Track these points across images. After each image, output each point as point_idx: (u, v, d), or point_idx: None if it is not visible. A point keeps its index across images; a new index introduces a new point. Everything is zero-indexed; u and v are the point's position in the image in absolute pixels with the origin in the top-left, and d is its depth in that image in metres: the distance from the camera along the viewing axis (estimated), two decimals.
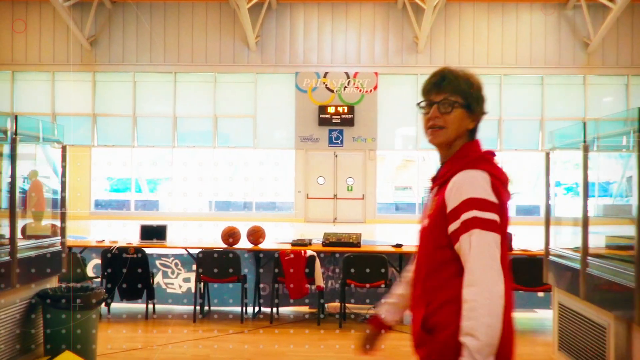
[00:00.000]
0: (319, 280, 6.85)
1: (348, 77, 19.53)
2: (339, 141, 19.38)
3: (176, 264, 7.58)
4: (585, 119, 19.37)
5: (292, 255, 6.82)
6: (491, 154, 1.97)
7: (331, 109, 19.25)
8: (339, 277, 7.14)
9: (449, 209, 1.88)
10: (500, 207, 1.85)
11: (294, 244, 7.25)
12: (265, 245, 7.33)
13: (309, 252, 6.89)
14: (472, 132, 2.02)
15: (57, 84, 20.37)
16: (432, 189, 2.06)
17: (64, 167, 5.30)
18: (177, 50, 20.02)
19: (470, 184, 1.86)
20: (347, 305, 7.09)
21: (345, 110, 19.24)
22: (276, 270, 6.92)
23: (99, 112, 20.34)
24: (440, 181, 1.98)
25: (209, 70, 19.98)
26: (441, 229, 1.90)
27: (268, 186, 20.06)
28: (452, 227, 1.86)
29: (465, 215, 1.82)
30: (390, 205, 20.79)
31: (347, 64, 19.76)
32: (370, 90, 19.47)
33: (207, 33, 19.98)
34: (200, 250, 7.05)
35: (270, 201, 20.25)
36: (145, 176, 21.10)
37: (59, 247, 5.32)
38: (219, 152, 20.12)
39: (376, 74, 19.59)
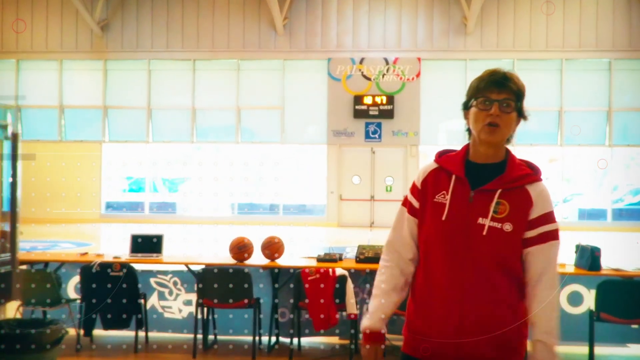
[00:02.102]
0: (351, 307, 5.76)
1: (387, 63, 18.98)
2: (376, 135, 18.84)
3: (175, 283, 6.56)
4: None
5: (317, 275, 5.73)
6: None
7: (368, 100, 18.72)
8: None
9: (532, 216, 2.17)
10: None
11: (320, 259, 6.16)
12: (283, 260, 6.25)
13: (339, 271, 5.79)
14: (511, 136, 2.23)
15: (65, 73, 19.93)
16: (485, 188, 2.21)
17: (14, 160, 4.29)
18: (196, 35, 19.51)
19: (550, 197, 2.20)
20: (386, 335, 5.95)
21: (384, 101, 18.68)
22: (297, 294, 5.83)
23: (111, 104, 19.87)
24: (509, 186, 2.18)
25: (232, 57, 19.49)
26: (521, 236, 2.16)
27: (297, 186, 19.57)
28: (531, 234, 2.16)
29: (549, 227, 2.17)
30: None
31: (386, 49, 19.11)
32: (412, 78, 18.86)
33: (229, 15, 19.43)
34: (202, 267, 6.01)
35: (300, 203, 19.81)
36: (161, 175, 20.57)
37: (8, 267, 4.29)
38: (243, 148, 19.65)
39: (419, 59, 18.91)
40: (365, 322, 2.35)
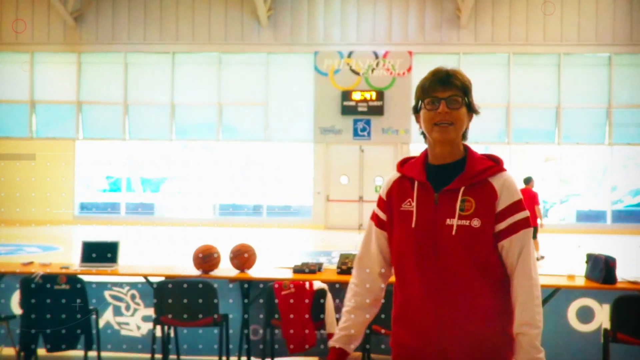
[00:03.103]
0: (331, 325, 5.11)
1: (377, 57, 18.52)
2: (365, 133, 18.40)
3: (133, 296, 5.89)
4: None
5: (291, 289, 5.07)
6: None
7: (356, 95, 18.31)
8: None
9: (499, 208, 2.18)
10: None
11: (296, 270, 5.51)
12: (255, 271, 5.60)
13: (317, 284, 5.14)
14: (466, 132, 2.28)
15: (37, 66, 19.30)
16: (448, 188, 2.22)
17: None
18: (175, 27, 18.95)
19: (515, 186, 2.22)
20: (372, 356, 5.37)
21: (374, 97, 18.27)
22: (269, 310, 5.17)
23: (85, 99, 19.26)
24: (468, 182, 2.20)
25: (213, 50, 18.98)
26: (491, 229, 2.17)
27: (282, 186, 19.15)
28: (501, 226, 2.17)
29: (518, 216, 2.18)
30: None
31: (376, 42, 18.65)
32: (403, 73, 18.37)
33: (210, 6, 18.90)
34: (161, 279, 5.35)
35: (285, 204, 19.34)
36: (138, 174, 20.07)
37: None
38: (225, 146, 19.20)
39: (410, 53, 18.42)
40: (333, 338, 2.39)
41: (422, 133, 2.32)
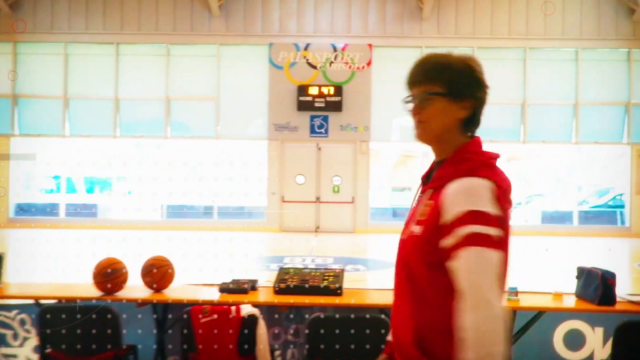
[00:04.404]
0: (263, 358, 4.08)
1: (335, 50, 17.99)
2: (323, 130, 17.90)
3: (22, 322, 4.78)
4: (630, 103, 17.82)
5: (214, 316, 4.03)
6: (493, 157, 2.01)
7: (313, 90, 17.75)
8: (304, 347, 4.33)
9: (442, 220, 1.91)
10: (504, 221, 1.89)
11: (223, 289, 4.47)
12: (173, 291, 4.53)
13: (246, 309, 4.10)
14: (468, 122, 2.04)
15: None
16: (423, 190, 2.11)
17: None
18: (120, 15, 18.03)
19: (470, 194, 1.89)
20: None
21: (332, 92, 17.75)
22: (187, 341, 4.12)
23: (21, 92, 18.11)
24: (435, 184, 2.02)
25: (160, 40, 18.10)
26: (433, 242, 1.92)
27: (234, 187, 18.62)
28: (446, 242, 1.88)
29: (463, 230, 1.84)
30: (386, 210, 19.82)
31: (334, 34, 18.07)
32: (363, 67, 17.88)
33: None
34: (52, 302, 4.27)
35: (238, 205, 18.82)
36: (80, 173, 19.25)
37: None
38: (173, 143, 18.42)
39: (370, 46, 17.88)
40: None
41: None
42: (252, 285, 4.57)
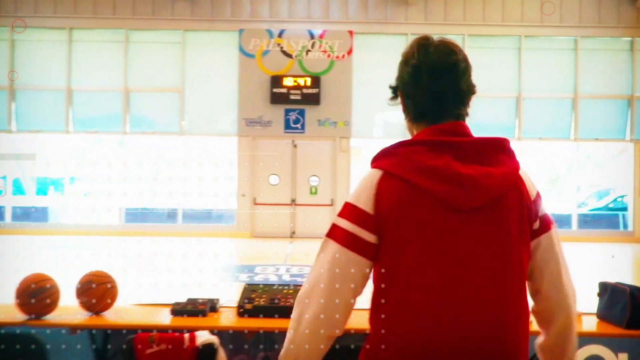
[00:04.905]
0: None
1: (312, 37, 18.12)
2: (298, 125, 18.04)
3: None
4: (634, 97, 17.98)
5: (162, 346, 3.57)
6: (407, 143, 2.03)
7: (288, 81, 17.87)
8: None
9: None
10: (369, 218, 1.94)
11: (176, 312, 4.01)
12: (116, 314, 4.06)
13: (203, 337, 3.65)
14: (407, 112, 2.18)
15: None
16: None
17: None
18: None
19: (355, 185, 2.05)
20: None
21: (308, 83, 17.89)
22: None
23: None
24: None
25: (119, 25, 18.04)
26: None
27: (201, 187, 18.46)
28: None
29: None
30: None
31: (311, 19, 18.20)
32: (343, 56, 18.00)
33: None
34: None
35: (204, 208, 19.03)
36: (27, 173, 18.96)
37: None
38: (132, 139, 18.43)
39: (351, 33, 17.97)
40: None
41: None
42: (212, 306, 4.11)
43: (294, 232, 17.74)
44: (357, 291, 2.01)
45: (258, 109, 17.85)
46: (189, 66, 18.09)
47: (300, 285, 4.26)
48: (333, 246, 1.96)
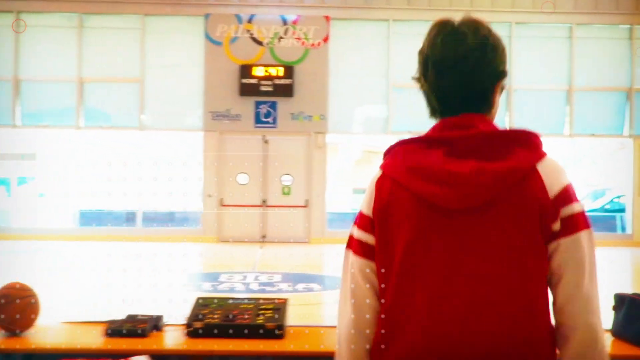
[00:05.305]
0: None
1: (285, 23, 18.18)
2: (270, 119, 18.07)
3: None
4: (632, 89, 18.11)
5: None
6: (407, 141, 2.07)
7: (259, 71, 17.88)
8: None
9: None
10: (369, 222, 2.06)
11: (112, 332, 3.62)
12: (38, 334, 3.70)
13: None
14: (429, 114, 2.18)
15: None
16: None
17: None
18: None
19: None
20: None
21: (281, 73, 17.94)
22: None
23: None
24: None
25: (71, 9, 17.97)
26: None
27: (162, 188, 18.25)
28: None
29: None
30: (347, 216, 20.07)
31: (284, 3, 18.38)
32: (319, 44, 18.11)
33: None
34: None
35: (166, 211, 19.31)
36: None
37: None
38: (87, 135, 18.33)
39: (327, 18, 18.08)
40: None
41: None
42: (155, 324, 3.72)
43: (264, 236, 17.78)
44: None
45: (226, 102, 17.85)
46: (149, 55, 18.08)
47: (269, 297, 3.94)
48: (349, 256, 2.12)
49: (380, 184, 2.04)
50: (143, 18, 17.89)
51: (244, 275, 11.92)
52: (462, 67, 2.02)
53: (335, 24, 17.99)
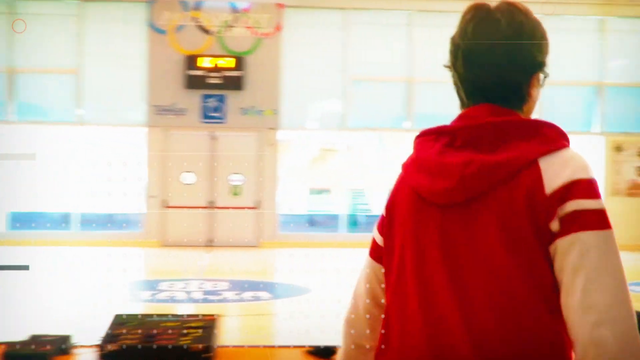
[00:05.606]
0: None
1: (235, 10, 18.15)
2: (218, 114, 18.04)
3: None
4: (603, 84, 18.75)
5: None
6: (422, 132, 2.09)
7: (206, 62, 17.88)
8: None
9: None
10: (381, 222, 2.14)
11: (7, 356, 3.32)
12: None
13: None
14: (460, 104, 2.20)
15: None
16: None
17: None
18: None
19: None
20: None
21: (230, 65, 17.98)
22: None
23: None
24: None
25: None
26: None
27: (101, 187, 17.74)
28: None
29: None
30: (301, 218, 20.71)
31: None
32: (271, 33, 18.12)
33: None
34: None
35: (105, 212, 19.23)
36: None
37: None
38: (18, 130, 17.90)
39: (280, 6, 18.07)
40: None
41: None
42: (61, 346, 3.37)
43: (211, 240, 17.66)
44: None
45: (171, 95, 17.76)
46: (87, 43, 17.91)
47: (189, 317, 3.71)
48: (365, 257, 2.21)
49: (397, 180, 2.09)
50: (81, 4, 17.76)
51: (186, 283, 11.82)
52: (492, 58, 1.96)
53: (289, 12, 18.00)
